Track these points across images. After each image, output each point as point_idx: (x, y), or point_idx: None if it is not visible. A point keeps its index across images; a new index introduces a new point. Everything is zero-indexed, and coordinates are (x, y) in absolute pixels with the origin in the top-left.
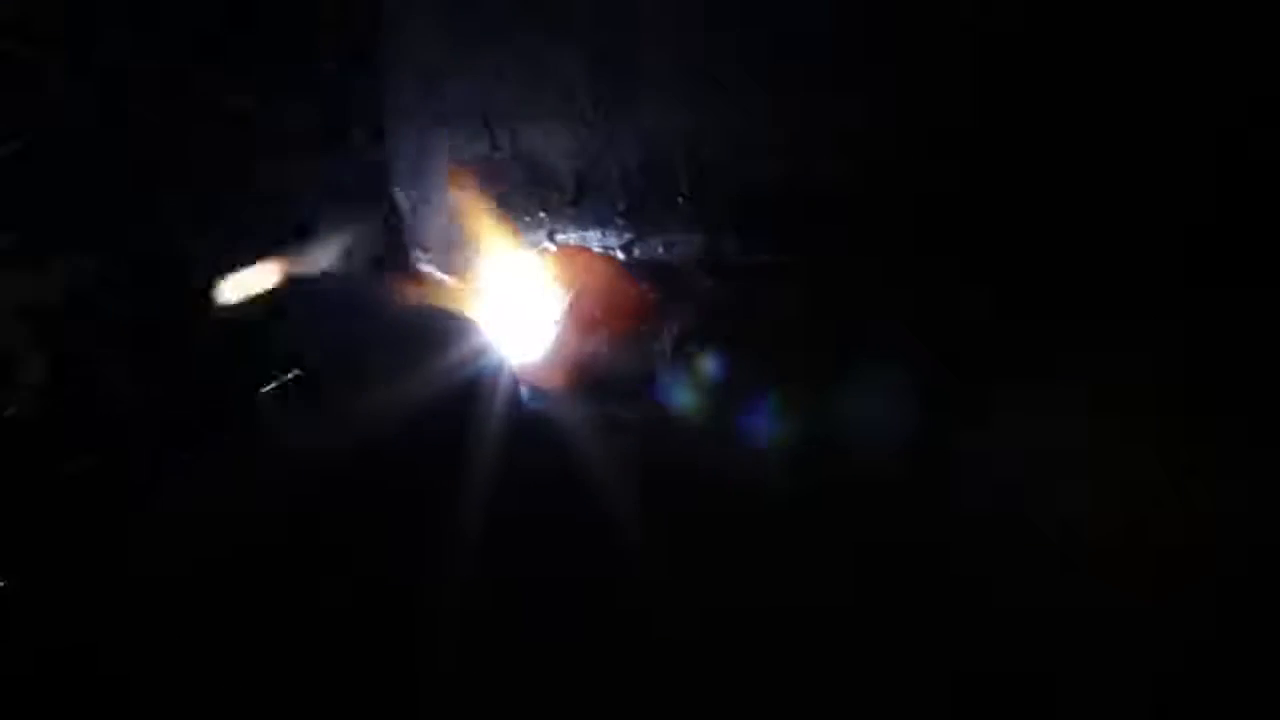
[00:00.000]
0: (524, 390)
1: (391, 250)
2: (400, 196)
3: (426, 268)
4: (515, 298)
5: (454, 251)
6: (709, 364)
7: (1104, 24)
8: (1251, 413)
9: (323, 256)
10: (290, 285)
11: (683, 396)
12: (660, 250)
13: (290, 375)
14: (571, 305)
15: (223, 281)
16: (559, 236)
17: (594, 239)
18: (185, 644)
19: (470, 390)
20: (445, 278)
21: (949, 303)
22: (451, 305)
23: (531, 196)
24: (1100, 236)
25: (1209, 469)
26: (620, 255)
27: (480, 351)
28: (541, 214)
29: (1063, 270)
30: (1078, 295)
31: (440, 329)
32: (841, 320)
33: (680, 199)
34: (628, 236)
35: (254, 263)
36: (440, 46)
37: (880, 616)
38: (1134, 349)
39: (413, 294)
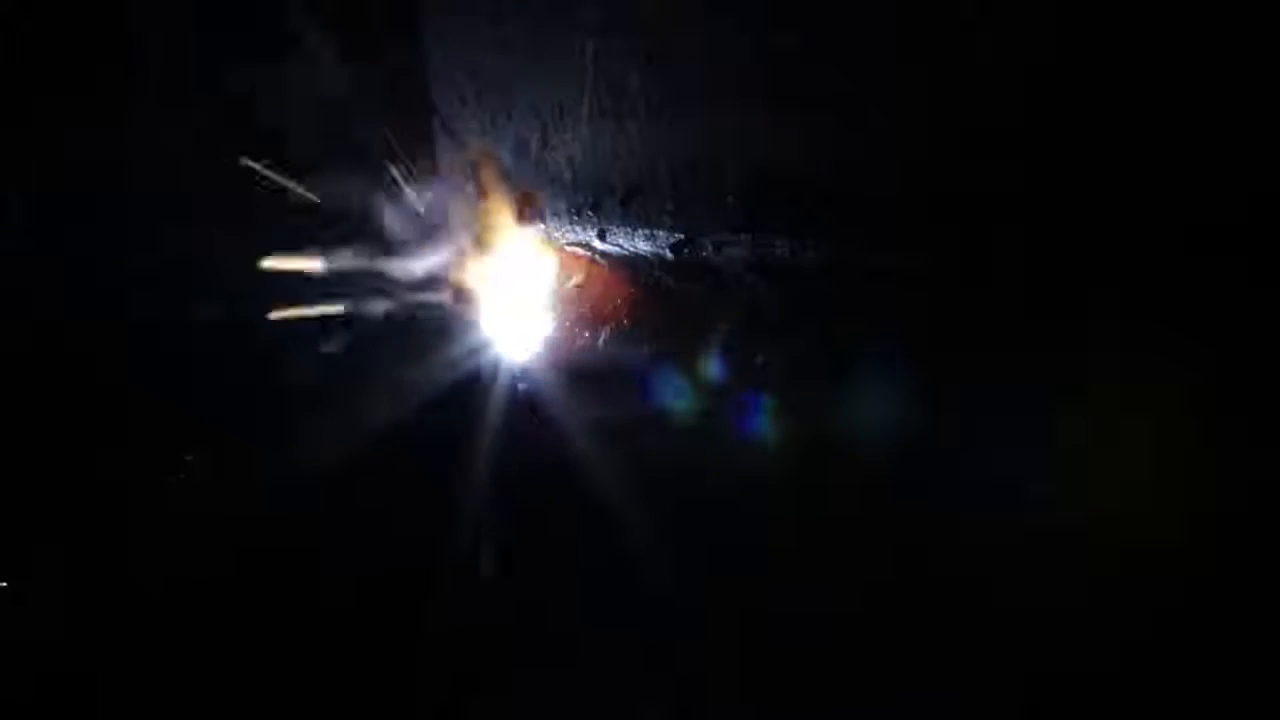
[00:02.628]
0: (525, 387)
1: (430, 247)
2: (444, 194)
3: (461, 264)
4: (522, 295)
5: (489, 248)
6: (753, 365)
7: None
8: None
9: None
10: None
11: (696, 396)
12: (709, 251)
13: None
14: (572, 302)
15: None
16: (609, 236)
17: (642, 238)
18: (188, 642)
19: (470, 388)
20: (475, 274)
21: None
22: (460, 303)
23: (583, 196)
24: (1099, 232)
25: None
26: (669, 255)
27: (482, 349)
28: (591, 213)
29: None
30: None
31: (444, 327)
32: (879, 321)
33: (730, 200)
34: (677, 237)
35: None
36: (490, 47)
37: (877, 615)
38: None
39: (444, 290)
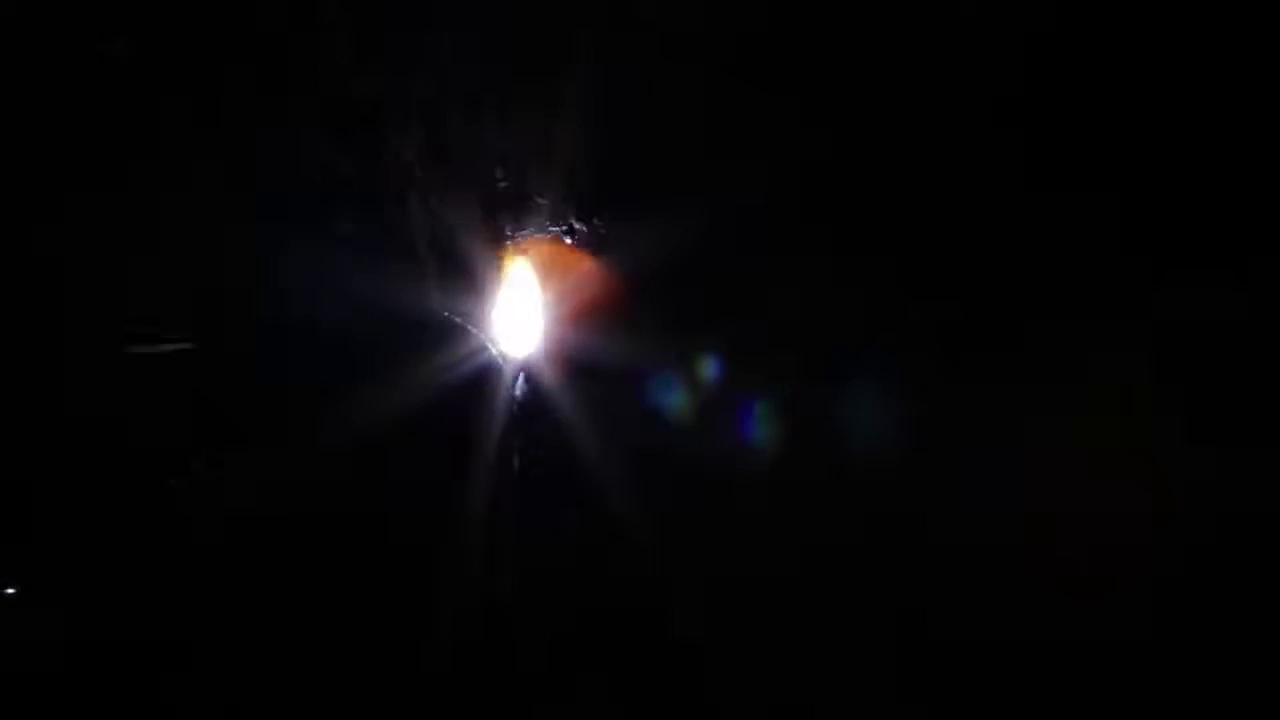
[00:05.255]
0: (524, 382)
1: (432, 245)
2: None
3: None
4: (517, 292)
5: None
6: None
7: None
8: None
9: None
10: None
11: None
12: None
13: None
14: (569, 299)
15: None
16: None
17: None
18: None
19: (471, 383)
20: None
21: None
22: (458, 299)
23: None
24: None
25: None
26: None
27: (481, 345)
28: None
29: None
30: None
31: (444, 323)
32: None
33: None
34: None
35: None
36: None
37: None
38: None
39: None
